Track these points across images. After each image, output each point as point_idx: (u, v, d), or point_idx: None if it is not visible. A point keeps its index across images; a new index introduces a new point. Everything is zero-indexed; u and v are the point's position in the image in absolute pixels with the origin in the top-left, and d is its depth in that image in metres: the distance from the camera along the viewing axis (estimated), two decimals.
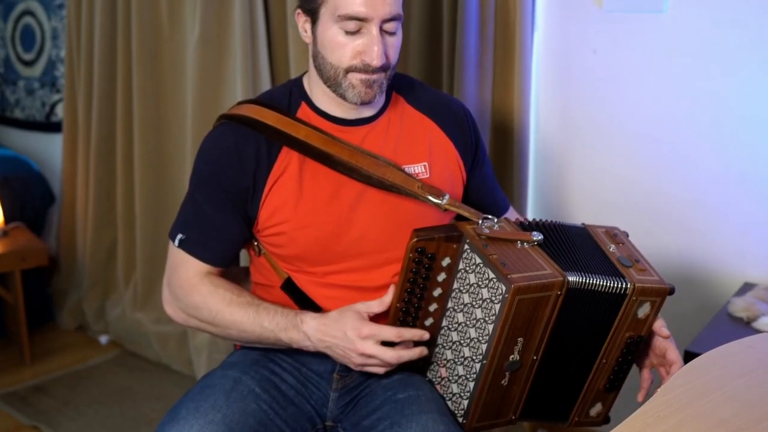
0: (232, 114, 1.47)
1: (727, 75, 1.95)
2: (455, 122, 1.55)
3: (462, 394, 1.34)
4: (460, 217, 1.44)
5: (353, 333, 1.33)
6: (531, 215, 2.25)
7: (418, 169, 1.48)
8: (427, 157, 1.49)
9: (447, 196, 1.43)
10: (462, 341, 1.33)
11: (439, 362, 1.39)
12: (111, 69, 3.04)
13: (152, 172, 2.97)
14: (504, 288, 1.23)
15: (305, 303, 1.47)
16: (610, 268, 1.33)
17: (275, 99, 1.49)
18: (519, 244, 1.32)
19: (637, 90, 2.08)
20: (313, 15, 1.40)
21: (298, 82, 1.52)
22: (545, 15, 2.17)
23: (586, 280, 1.29)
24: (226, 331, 1.45)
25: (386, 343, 1.34)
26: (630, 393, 1.43)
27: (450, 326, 1.35)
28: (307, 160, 1.43)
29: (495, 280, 1.25)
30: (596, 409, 1.42)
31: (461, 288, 1.32)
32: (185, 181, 1.51)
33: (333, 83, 1.41)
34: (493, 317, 1.25)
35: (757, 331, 1.69)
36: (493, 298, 1.25)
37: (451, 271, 1.34)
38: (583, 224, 1.44)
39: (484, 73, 2.16)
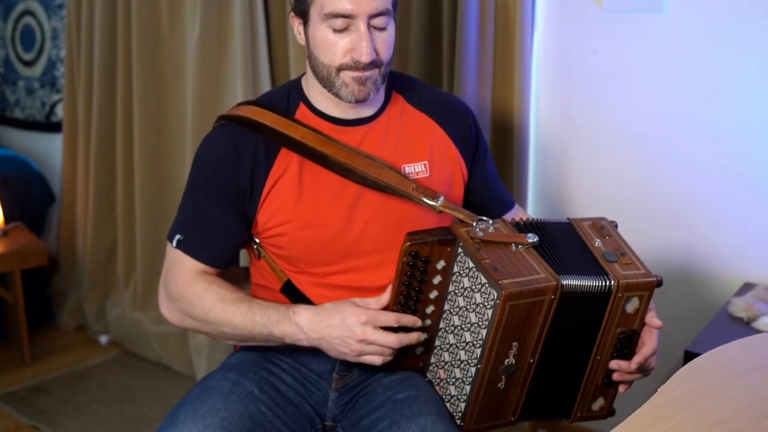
0: (230, 115, 1.48)
1: (727, 75, 1.95)
2: (456, 120, 1.54)
3: (459, 397, 1.34)
4: None
5: (353, 319, 1.33)
6: (531, 214, 2.25)
7: (418, 168, 1.47)
8: (427, 156, 1.49)
9: (441, 198, 1.42)
10: (458, 344, 1.32)
11: (437, 363, 1.38)
12: (111, 69, 3.04)
13: (152, 172, 2.96)
14: (495, 294, 1.22)
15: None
16: (593, 267, 1.31)
17: (274, 100, 1.49)
18: (513, 247, 1.30)
19: (637, 90, 2.08)
20: (304, 16, 1.40)
21: (297, 84, 1.52)
22: (545, 15, 2.17)
23: (576, 282, 1.27)
24: (220, 329, 1.44)
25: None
26: (633, 388, 1.43)
27: (447, 328, 1.35)
28: (307, 161, 1.43)
29: (487, 285, 1.24)
30: (598, 404, 1.41)
31: (456, 291, 1.32)
32: (185, 181, 1.51)
33: (327, 83, 1.41)
34: (486, 322, 1.25)
35: (757, 331, 1.69)
36: (486, 304, 1.25)
37: (447, 273, 1.33)
38: (568, 219, 1.43)
39: (484, 73, 2.16)
